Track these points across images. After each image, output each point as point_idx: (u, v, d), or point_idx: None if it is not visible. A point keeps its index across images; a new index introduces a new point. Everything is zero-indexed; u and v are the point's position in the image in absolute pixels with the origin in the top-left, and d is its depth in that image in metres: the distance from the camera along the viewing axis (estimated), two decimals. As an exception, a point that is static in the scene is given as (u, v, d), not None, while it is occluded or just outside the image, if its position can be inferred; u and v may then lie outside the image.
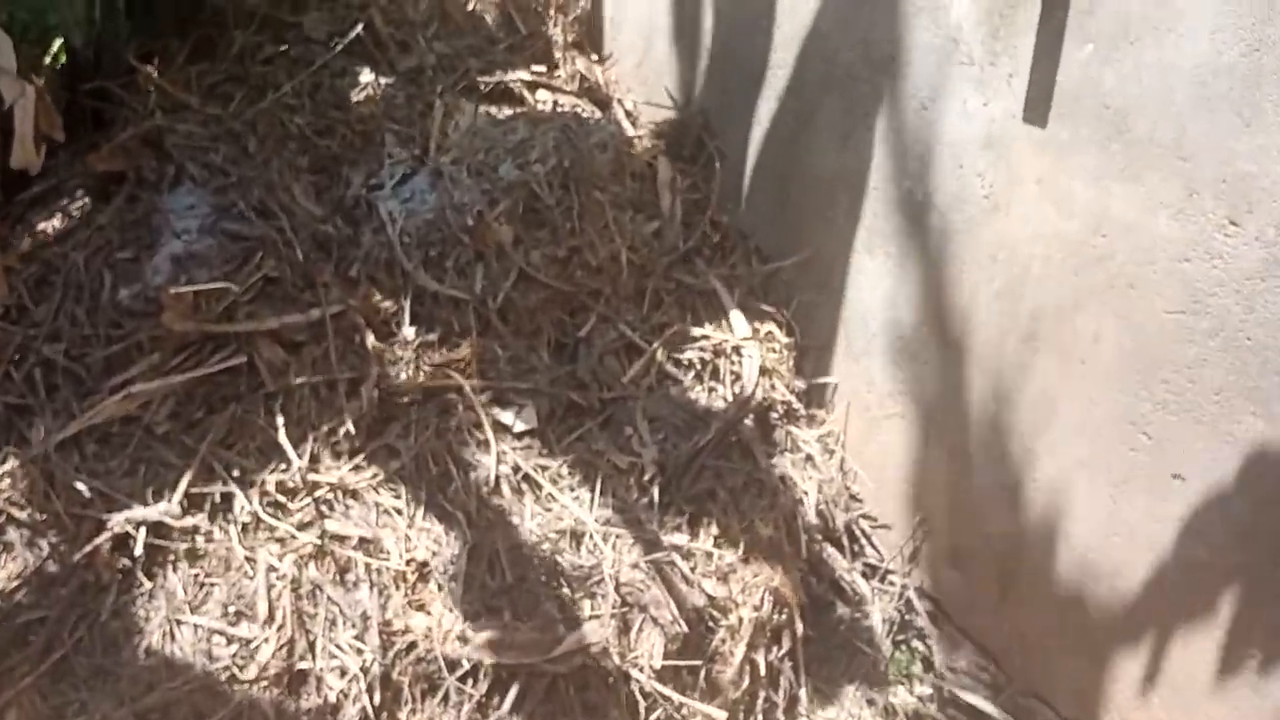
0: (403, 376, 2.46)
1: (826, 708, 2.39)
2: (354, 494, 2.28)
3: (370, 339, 2.47)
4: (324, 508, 2.25)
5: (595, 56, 3.66)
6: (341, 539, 2.21)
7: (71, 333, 2.46)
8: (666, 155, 3.13)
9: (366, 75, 3.15)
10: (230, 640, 2.09)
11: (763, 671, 2.27)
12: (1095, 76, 1.87)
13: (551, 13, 3.61)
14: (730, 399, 2.59)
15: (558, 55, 3.50)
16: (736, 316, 2.77)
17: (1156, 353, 1.81)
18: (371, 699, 2.03)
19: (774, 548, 2.35)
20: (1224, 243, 1.68)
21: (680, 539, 2.31)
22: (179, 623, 2.10)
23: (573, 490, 2.37)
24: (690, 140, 3.18)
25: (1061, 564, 2.07)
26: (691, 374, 2.64)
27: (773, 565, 2.31)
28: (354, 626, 2.11)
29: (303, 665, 2.07)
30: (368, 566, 2.17)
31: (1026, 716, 2.22)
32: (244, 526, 2.21)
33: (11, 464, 2.26)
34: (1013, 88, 2.05)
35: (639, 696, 2.15)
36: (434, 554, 2.21)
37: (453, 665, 2.08)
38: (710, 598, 2.23)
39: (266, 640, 2.08)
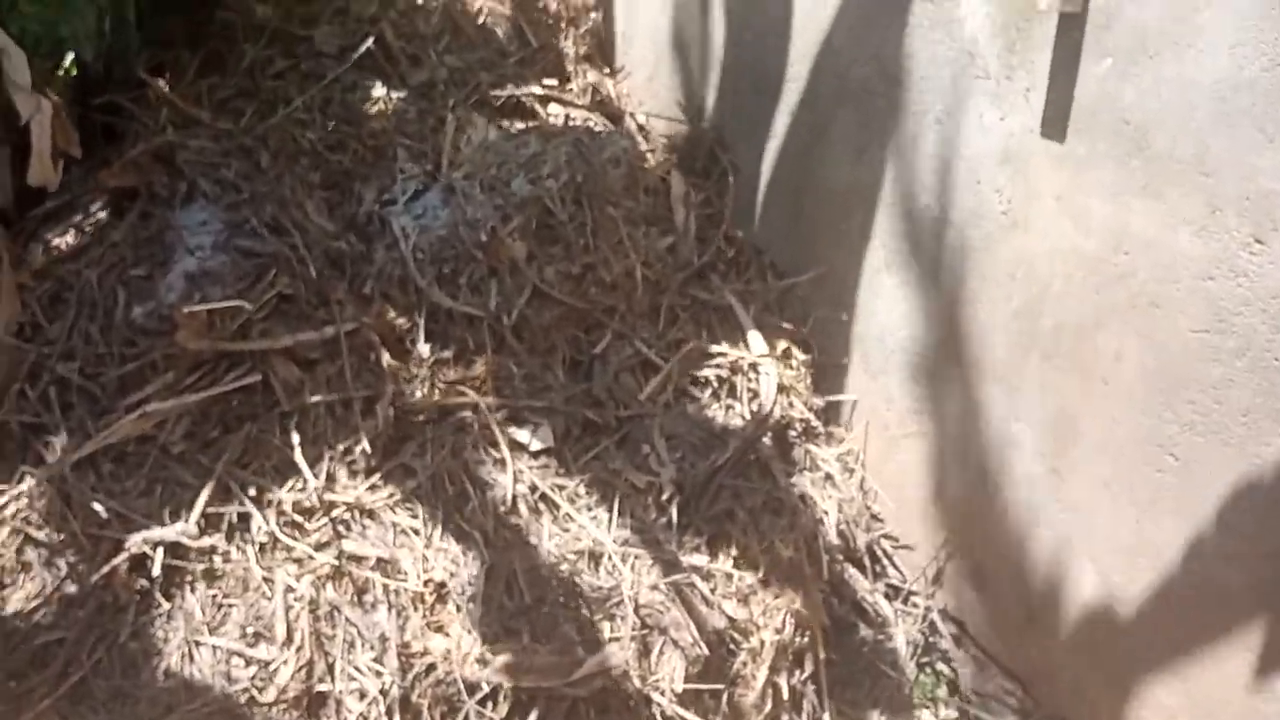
0: (418, 394, 2.46)
1: (850, 732, 2.38)
2: (371, 514, 2.27)
3: (385, 357, 2.47)
4: (341, 528, 2.24)
5: (607, 70, 3.66)
6: (359, 559, 2.20)
7: (86, 351, 2.46)
8: (679, 169, 3.13)
9: (378, 89, 3.15)
10: (249, 662, 2.08)
11: (785, 695, 2.25)
12: (1113, 91, 1.86)
13: (563, 26, 3.61)
14: (748, 417, 2.58)
15: (569, 68, 3.50)
16: (753, 333, 2.76)
17: (1181, 372, 1.80)
18: (391, 722, 2.02)
19: (795, 569, 2.33)
20: (1249, 261, 1.67)
21: (700, 560, 2.30)
22: (197, 644, 2.10)
23: (590, 510, 2.36)
24: (703, 154, 3.18)
25: (1088, 586, 2.05)
26: (708, 391, 2.63)
27: (794, 587, 2.30)
28: (372, 648, 2.10)
29: (322, 687, 2.06)
30: (385, 587, 2.16)
31: (1054, 741, 2.21)
32: (261, 547, 2.20)
33: (28, 483, 2.26)
34: (1030, 102, 2.04)
35: (660, 720, 2.14)
36: (452, 575, 2.20)
37: (472, 688, 2.07)
38: (731, 620, 2.22)
39: (285, 662, 2.07)
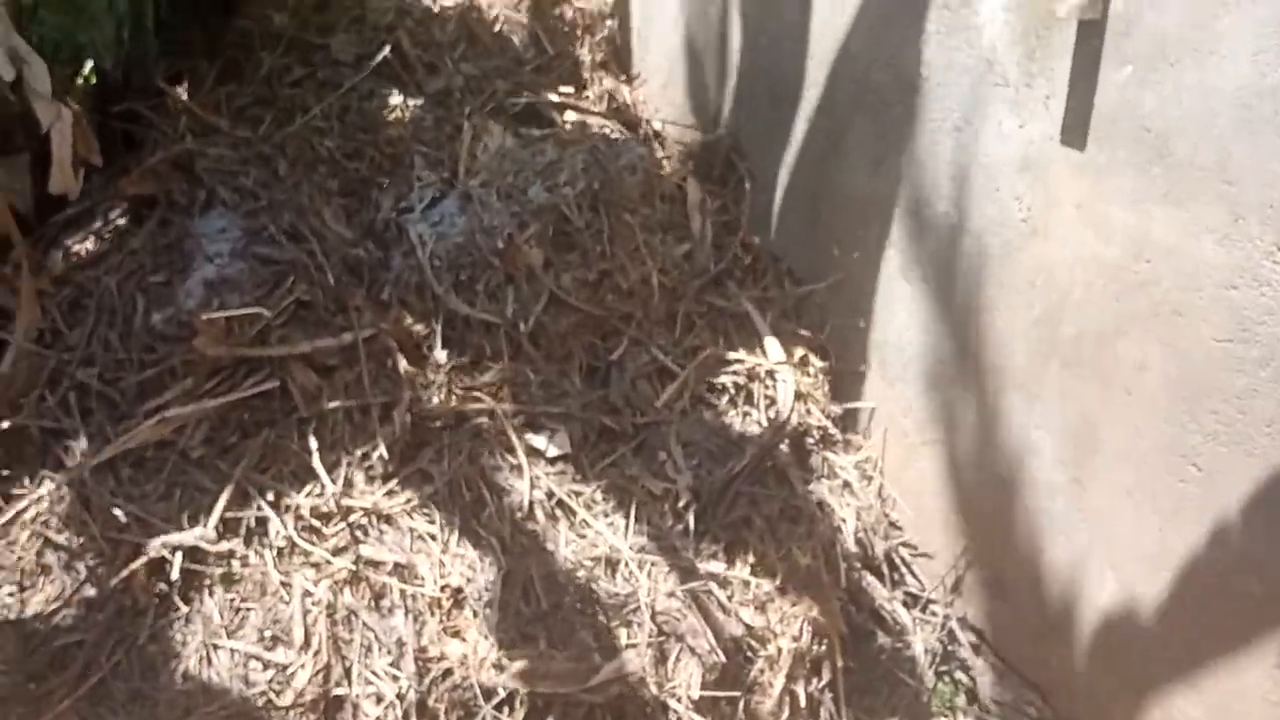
0: (435, 400, 2.46)
1: (868, 740, 2.37)
2: (388, 519, 2.28)
3: (403, 363, 2.47)
4: (358, 532, 2.24)
5: (623, 77, 3.67)
6: (376, 564, 2.20)
7: (105, 357, 2.47)
8: (696, 176, 3.13)
9: (395, 97, 3.16)
10: (266, 665, 2.09)
11: (803, 703, 2.24)
12: (1134, 99, 1.85)
13: (579, 33, 3.62)
14: (765, 424, 2.58)
15: (586, 76, 3.51)
16: (770, 340, 2.75)
17: (1204, 382, 1.79)
18: (408, 727, 2.02)
19: (812, 576, 2.33)
20: (1272, 269, 1.66)
21: (717, 567, 2.30)
22: (215, 647, 2.10)
23: (607, 516, 2.35)
24: (719, 161, 3.18)
25: (1109, 596, 2.04)
26: (725, 398, 2.63)
27: (811, 594, 2.29)
28: (389, 653, 2.10)
29: (339, 691, 2.06)
30: (403, 592, 2.16)
31: (1073, 751, 2.19)
32: (279, 551, 2.20)
33: (48, 487, 2.27)
34: (1050, 109, 2.04)
35: (677, 727, 2.13)
36: (468, 580, 2.20)
37: (489, 694, 2.06)
38: (748, 627, 2.21)
39: (303, 666, 2.07)
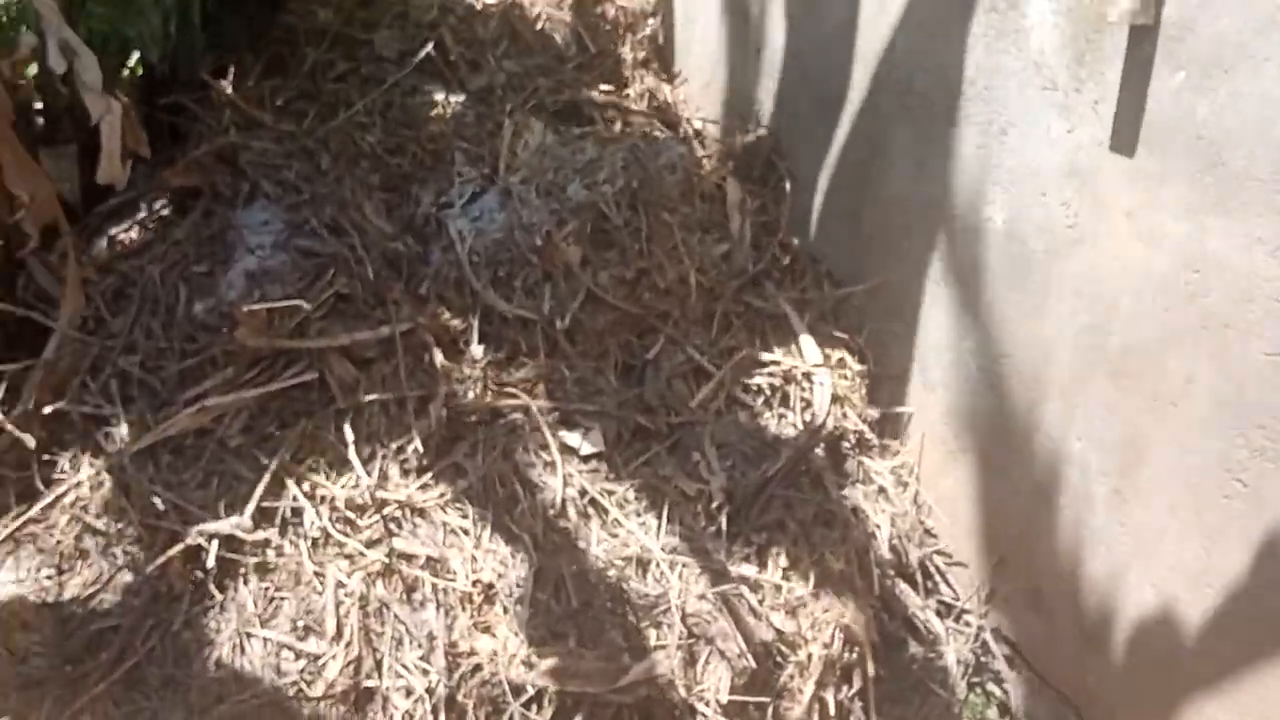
0: (470, 395, 2.47)
1: (898, 749, 2.34)
2: (421, 512, 2.29)
3: (439, 357, 2.48)
4: (392, 525, 2.25)
5: (664, 76, 3.66)
6: (409, 557, 2.21)
7: (147, 345, 2.50)
8: (735, 176, 3.12)
9: (437, 94, 3.17)
10: (299, 655, 2.11)
11: (832, 710, 2.22)
12: (1187, 106, 1.81)
13: (621, 32, 3.62)
14: (801, 427, 2.56)
15: (627, 74, 3.51)
16: (807, 342, 2.73)
17: (1253, 397, 1.74)
18: (437, 721, 2.03)
19: (845, 582, 2.30)
20: (1326, 284, 1.62)
21: (748, 570, 2.28)
22: (249, 635, 2.13)
23: (639, 516, 2.35)
24: (760, 161, 3.16)
25: (1150, 613, 2.00)
26: (761, 400, 2.61)
27: (844, 600, 2.27)
28: (420, 646, 2.11)
29: (369, 683, 2.08)
30: (434, 586, 2.17)
31: (1108, 769, 2.15)
32: (314, 541, 2.22)
33: (88, 472, 2.30)
34: (1099, 115, 2.00)
35: (704, 730, 2.12)
36: (500, 576, 2.20)
37: (518, 690, 2.07)
38: (779, 632, 2.20)
39: (334, 657, 2.09)
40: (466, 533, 2.26)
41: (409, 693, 2.06)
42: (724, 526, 2.34)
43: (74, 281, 2.56)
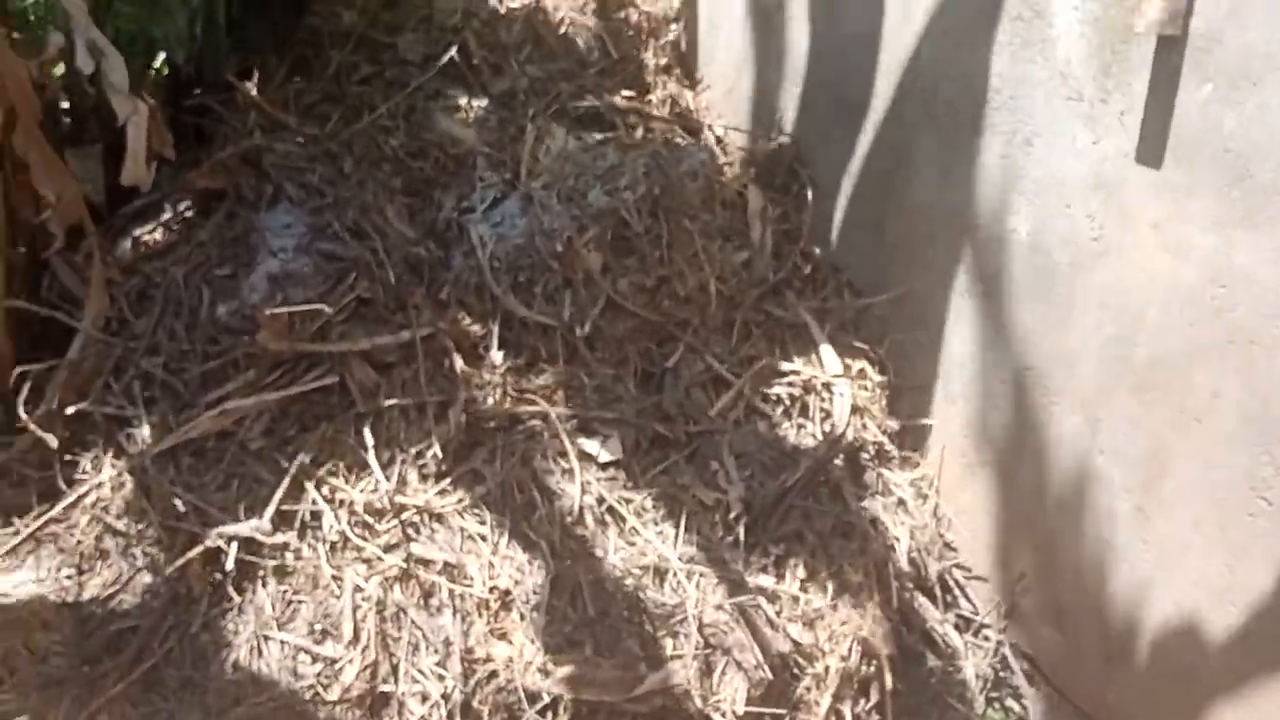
0: (490, 401, 2.47)
1: (915, 764, 2.32)
2: (439, 518, 2.29)
3: (459, 363, 2.48)
4: (410, 530, 2.26)
5: (687, 82, 3.65)
6: (426, 563, 2.21)
7: (170, 347, 2.52)
8: (757, 184, 3.10)
9: (460, 98, 3.18)
10: (315, 659, 2.11)
11: (849, 723, 2.21)
12: (1215, 118, 1.80)
13: (644, 38, 3.61)
14: (820, 437, 2.54)
15: (649, 80, 3.50)
16: (827, 352, 2.72)
17: (1279, 413, 1.72)
18: (452, 727, 2.03)
19: (863, 594, 2.29)
20: (1356, 300, 1.60)
21: (766, 581, 2.27)
22: (266, 638, 2.13)
23: (657, 525, 2.34)
24: (782, 169, 3.15)
25: (1172, 630, 1.98)
26: (780, 410, 2.60)
27: (861, 613, 2.26)
28: (436, 652, 2.11)
29: (385, 688, 2.08)
30: (451, 592, 2.17)
31: (1128, 786, 2.13)
32: (332, 545, 2.23)
33: (109, 473, 2.32)
34: (1125, 126, 1.98)
35: (720, 741, 2.11)
36: (516, 583, 2.20)
37: (533, 698, 2.06)
38: (796, 644, 2.18)
39: (350, 661, 2.09)
40: (484, 539, 2.26)
41: (425, 698, 2.06)
42: (742, 536, 2.33)
43: (98, 282, 2.58)
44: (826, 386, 2.64)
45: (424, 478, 2.34)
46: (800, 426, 2.59)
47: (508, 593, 2.18)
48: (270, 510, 2.22)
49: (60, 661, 2.10)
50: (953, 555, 2.55)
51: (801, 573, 2.30)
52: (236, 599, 2.16)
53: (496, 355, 2.54)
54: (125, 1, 2.93)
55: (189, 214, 2.88)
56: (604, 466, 2.42)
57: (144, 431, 2.36)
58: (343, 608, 2.14)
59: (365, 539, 2.23)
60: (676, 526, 2.33)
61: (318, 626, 2.14)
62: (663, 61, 3.62)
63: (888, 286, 2.73)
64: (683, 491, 2.39)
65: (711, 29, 3.62)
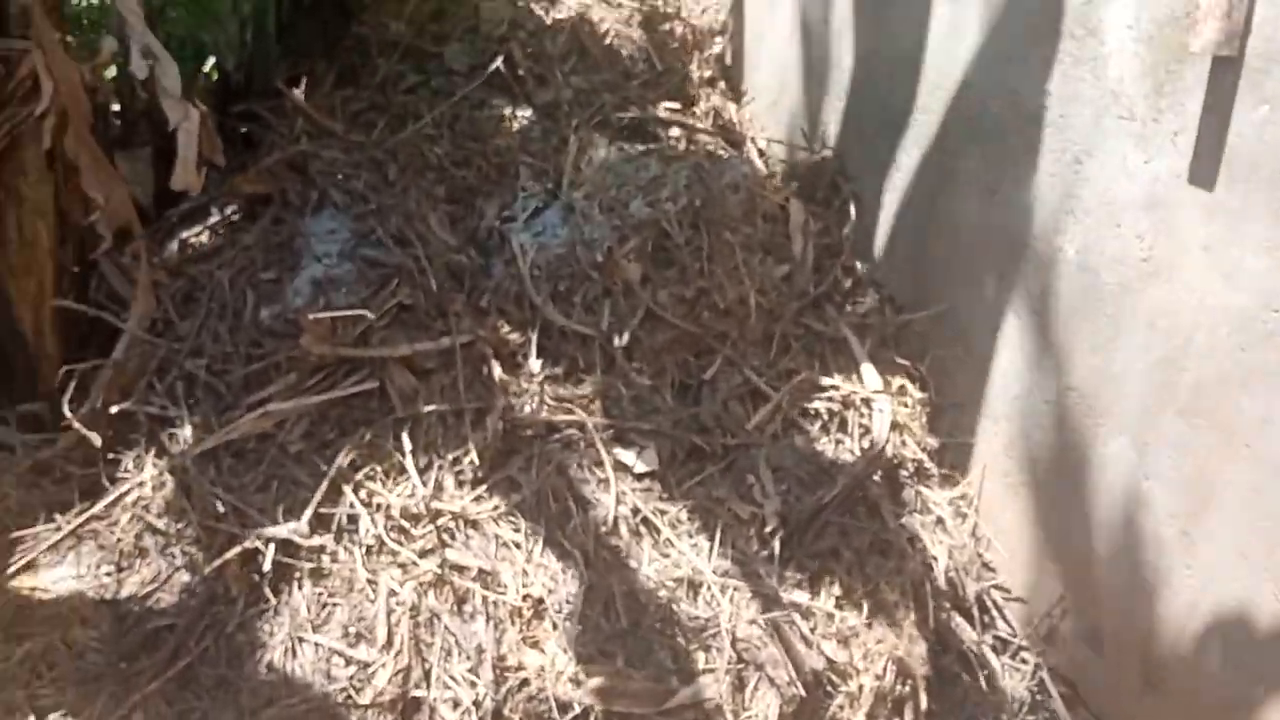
0: (527, 409, 2.47)
1: (949, 786, 2.29)
2: (475, 524, 2.29)
3: (497, 370, 2.49)
4: (445, 536, 2.26)
5: (731, 94, 3.64)
6: (461, 569, 2.21)
7: (214, 349, 2.55)
8: (799, 197, 3.09)
9: (504, 108, 3.20)
10: (349, 662, 2.12)
11: (882, 744, 2.19)
12: (1271, 140, 1.76)
13: (689, 50, 3.62)
14: (858, 453, 2.52)
15: (693, 92, 3.50)
16: (867, 367, 2.70)
17: (1333, 441, 1.69)
18: (483, 735, 2.03)
19: (899, 613, 2.26)
20: None
21: (801, 597, 2.25)
22: (301, 640, 2.14)
23: (691, 537, 2.33)
24: (824, 183, 3.13)
25: (1216, 661, 1.93)
26: (818, 424, 2.58)
27: (897, 632, 2.23)
28: (469, 659, 2.11)
29: (417, 693, 2.08)
30: (485, 599, 2.17)
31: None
32: (368, 549, 2.24)
33: (151, 472, 2.35)
34: (1178, 146, 1.95)
35: (751, 758, 2.09)
36: (550, 591, 2.20)
37: (564, 707, 2.06)
38: (830, 661, 2.16)
39: (384, 665, 2.10)
40: (518, 546, 2.26)
41: (456, 705, 2.06)
42: (777, 551, 2.31)
43: (145, 284, 2.62)
44: (866, 402, 2.61)
45: (460, 484, 2.35)
46: (838, 442, 2.56)
47: (541, 601, 2.18)
48: (308, 513, 2.24)
49: (97, 658, 2.12)
50: (991, 575, 2.51)
51: (837, 589, 2.28)
52: (272, 600, 2.18)
53: (535, 364, 2.55)
54: (177, 7, 2.99)
55: (235, 218, 2.93)
56: (639, 477, 2.42)
57: (186, 432, 2.39)
58: (377, 612, 2.15)
59: (401, 544, 2.24)
60: (711, 539, 2.32)
61: (352, 630, 2.15)
62: (707, 74, 3.62)
63: (929, 303, 2.71)
64: (718, 504, 2.38)
65: (757, 41, 3.62)
